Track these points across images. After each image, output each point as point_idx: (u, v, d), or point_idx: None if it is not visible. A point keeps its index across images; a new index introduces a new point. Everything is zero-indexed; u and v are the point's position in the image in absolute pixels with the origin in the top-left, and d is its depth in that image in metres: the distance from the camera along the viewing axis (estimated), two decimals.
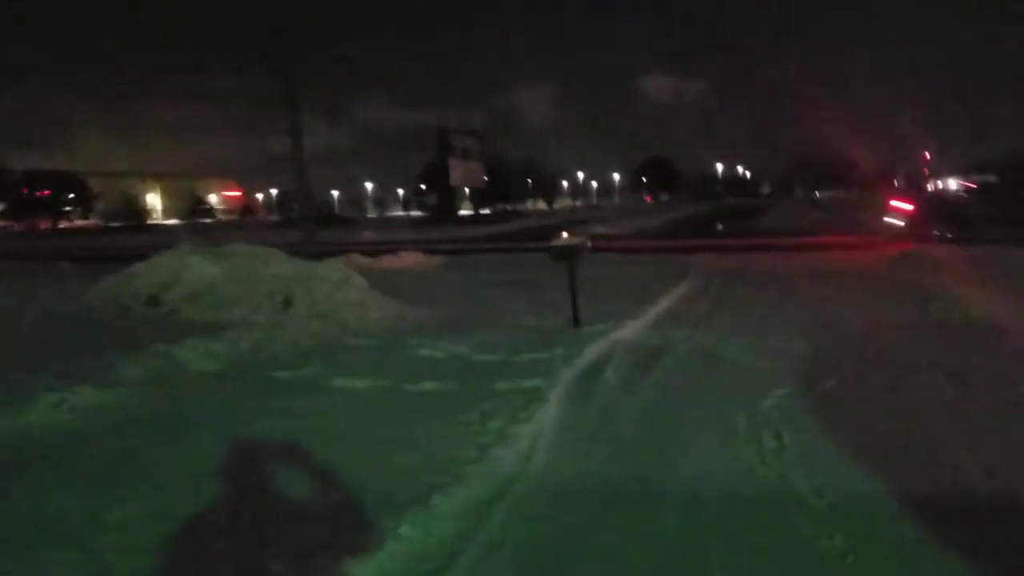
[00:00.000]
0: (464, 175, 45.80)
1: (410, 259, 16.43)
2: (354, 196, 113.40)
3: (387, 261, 15.94)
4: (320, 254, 13.19)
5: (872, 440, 3.89)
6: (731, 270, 12.83)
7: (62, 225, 71.17)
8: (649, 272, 12.63)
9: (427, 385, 5.24)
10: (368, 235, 34.66)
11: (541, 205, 79.65)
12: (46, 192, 68.99)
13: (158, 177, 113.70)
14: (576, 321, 7.46)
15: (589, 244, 7.80)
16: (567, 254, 7.56)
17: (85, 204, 77.17)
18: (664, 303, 9.11)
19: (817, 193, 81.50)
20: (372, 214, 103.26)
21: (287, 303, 7.93)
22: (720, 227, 32.63)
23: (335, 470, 3.53)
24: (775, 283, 10.79)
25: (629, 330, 7.35)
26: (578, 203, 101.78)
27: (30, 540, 2.89)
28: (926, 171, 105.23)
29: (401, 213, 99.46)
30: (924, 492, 3.23)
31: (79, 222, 76.50)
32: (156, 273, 9.13)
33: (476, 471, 3.50)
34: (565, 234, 7.66)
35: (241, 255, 8.97)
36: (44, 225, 67.62)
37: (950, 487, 3.31)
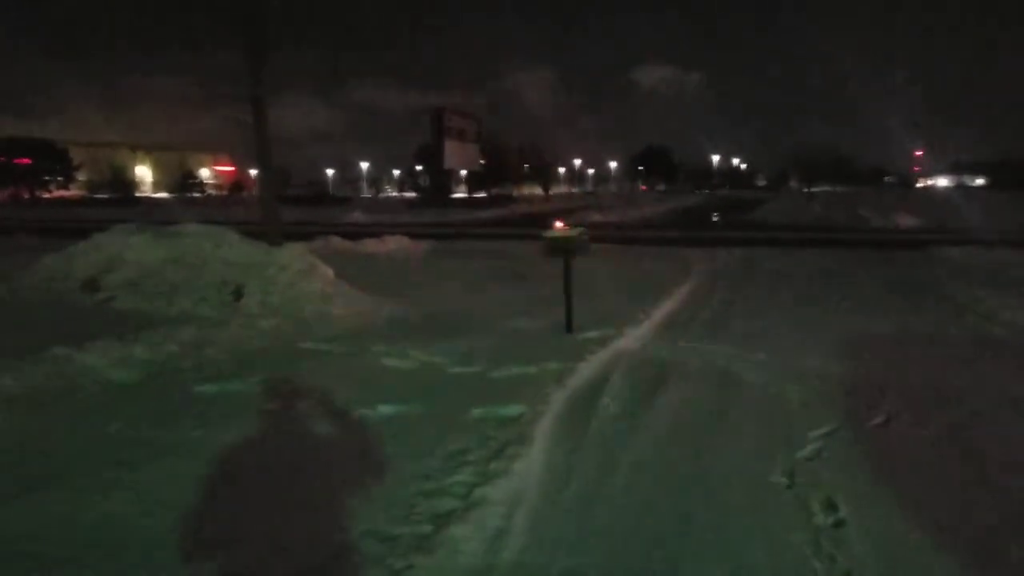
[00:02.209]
0: (458, 157, 44.46)
1: (394, 244, 15.37)
2: (349, 175, 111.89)
3: (369, 245, 14.87)
4: (291, 236, 12.07)
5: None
6: (735, 266, 11.85)
7: (45, 196, 68.79)
8: (648, 266, 11.67)
9: (384, 409, 4.24)
10: (356, 216, 33.34)
11: (537, 191, 78.16)
12: (25, 160, 66.05)
13: (148, 149, 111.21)
14: (570, 326, 6.47)
15: (586, 237, 6.80)
16: (562, 248, 6.54)
17: (67, 174, 74.34)
18: (667, 305, 8.13)
19: (812, 189, 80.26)
20: (367, 194, 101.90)
21: (237, 294, 6.89)
22: (718, 219, 31.60)
23: (214, 568, 2.51)
24: (785, 282, 9.82)
25: (630, 339, 6.35)
26: (574, 190, 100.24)
27: None
28: (917, 168, 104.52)
29: (395, 194, 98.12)
30: None
31: (60, 192, 73.83)
32: (97, 254, 8.08)
33: (423, 566, 2.48)
34: (560, 225, 6.63)
35: (192, 236, 7.89)
36: (25, 195, 65.10)
37: None
